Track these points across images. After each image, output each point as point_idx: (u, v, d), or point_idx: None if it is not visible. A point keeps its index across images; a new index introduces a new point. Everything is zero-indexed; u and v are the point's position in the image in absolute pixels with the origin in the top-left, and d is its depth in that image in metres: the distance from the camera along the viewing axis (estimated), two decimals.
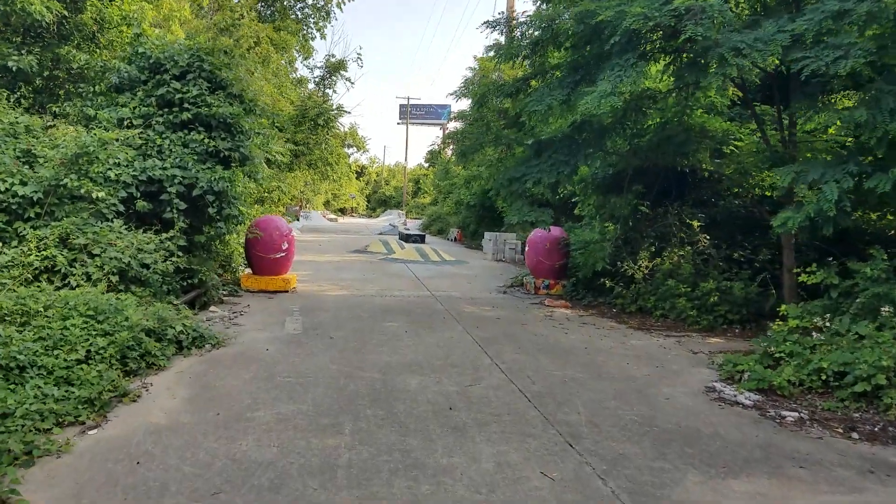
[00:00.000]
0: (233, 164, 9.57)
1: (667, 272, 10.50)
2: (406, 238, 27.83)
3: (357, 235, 33.09)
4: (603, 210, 11.10)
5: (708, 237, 10.97)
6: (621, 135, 10.21)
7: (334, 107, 25.20)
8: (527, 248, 12.96)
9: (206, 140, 9.07)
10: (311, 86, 31.77)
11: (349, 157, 54.79)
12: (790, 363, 6.36)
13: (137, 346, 6.14)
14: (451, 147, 50.62)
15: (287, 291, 11.49)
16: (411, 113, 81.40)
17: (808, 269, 7.70)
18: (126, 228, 7.98)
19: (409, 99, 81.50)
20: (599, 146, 9.70)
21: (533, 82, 9.71)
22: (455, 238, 30.49)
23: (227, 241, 11.90)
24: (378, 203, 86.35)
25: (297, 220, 41.73)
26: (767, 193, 10.33)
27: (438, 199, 47.23)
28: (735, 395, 6.06)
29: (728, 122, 10.73)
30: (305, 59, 31.15)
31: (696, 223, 11.08)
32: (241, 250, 12.05)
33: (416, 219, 53.13)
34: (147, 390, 5.61)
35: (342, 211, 79.85)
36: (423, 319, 9.30)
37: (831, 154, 8.89)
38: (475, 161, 30.64)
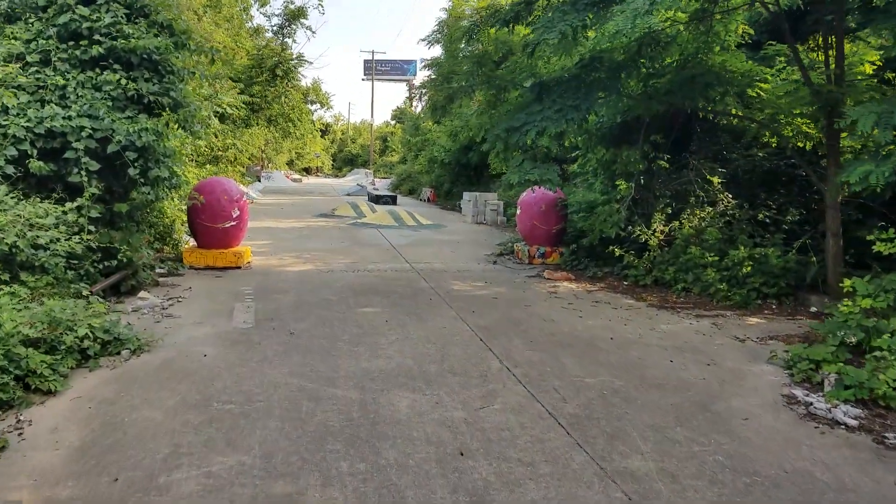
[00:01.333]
0: (161, 113, 7.60)
1: (687, 238, 8.99)
2: (376, 199, 25.93)
3: (323, 197, 30.99)
4: (614, 165, 9.46)
5: (730, 196, 9.47)
6: (635, 76, 8.51)
7: (294, 56, 22.80)
8: (518, 211, 11.32)
9: (125, 82, 7.07)
10: (268, 35, 29.05)
11: (312, 113, 52.10)
12: (893, 362, 4.90)
13: (12, 365, 4.36)
14: (422, 101, 48.21)
15: (239, 267, 9.68)
16: (377, 69, 78.20)
17: (883, 236, 6.22)
18: (15, 197, 6.06)
19: (374, 53, 78.16)
20: (614, 88, 8.00)
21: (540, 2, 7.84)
22: (428, 198, 28.68)
23: (163, 209, 9.97)
24: (344, 162, 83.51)
25: (258, 180, 39.35)
26: (799, 144, 8.82)
27: (408, 156, 45.13)
28: (828, 410, 4.59)
29: (750, 62, 9.11)
30: (262, 6, 28.37)
31: (716, 179, 9.55)
32: (186, 218, 10.13)
33: (384, 178, 50.93)
34: (20, 434, 3.87)
35: (307, 171, 76.94)
36: (406, 302, 7.64)
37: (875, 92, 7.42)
38: (452, 113, 28.66)
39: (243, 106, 20.25)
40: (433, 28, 21.19)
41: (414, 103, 72.57)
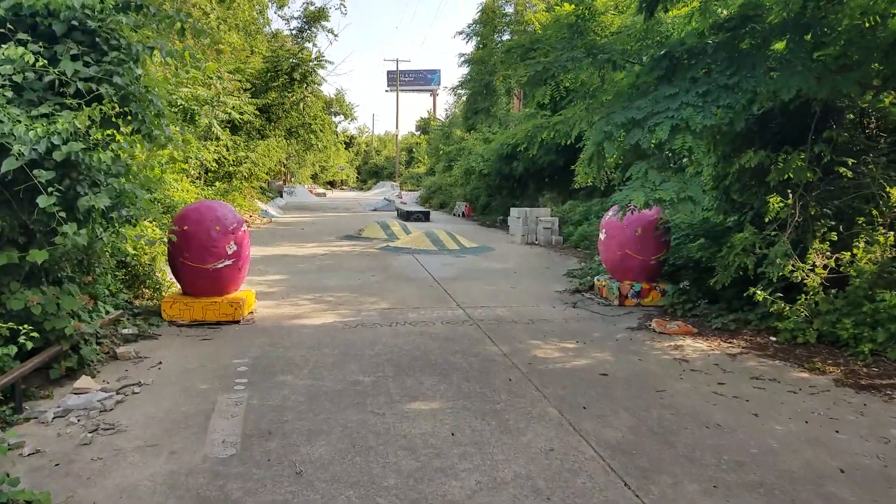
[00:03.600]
0: (103, 110, 5.09)
1: (871, 276, 6.24)
2: (407, 216, 23.42)
3: (348, 214, 28.63)
4: (743, 175, 6.71)
5: None
6: (794, 45, 5.82)
7: (313, 57, 20.50)
8: (602, 236, 8.64)
9: (34, 59, 4.57)
10: (286, 38, 26.80)
11: (336, 125, 50.10)
12: None
13: None
14: (452, 106, 45.69)
15: (238, 322, 7.17)
16: (400, 79, 76.47)
17: None
18: None
19: (398, 62, 76.49)
20: (760, 61, 5.35)
21: None
22: (463, 213, 26.10)
23: (137, 246, 7.53)
24: (369, 174, 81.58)
25: (280, 196, 37.30)
26: None
27: (436, 167, 42.74)
28: None
29: None
30: (280, 7, 26.20)
31: (894, 191, 6.77)
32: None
33: (412, 191, 48.56)
34: None
35: (331, 184, 75.16)
36: (475, 389, 5.01)
37: None
38: (493, 117, 26.05)
39: (256, 113, 17.94)
40: (473, 19, 18.73)
41: (442, 110, 70.15)
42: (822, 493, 3.45)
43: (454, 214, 27.38)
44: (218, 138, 15.39)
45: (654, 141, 4.98)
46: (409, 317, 7.56)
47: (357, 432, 4.16)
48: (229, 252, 7.18)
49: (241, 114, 15.91)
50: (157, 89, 5.77)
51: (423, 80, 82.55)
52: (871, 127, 7.00)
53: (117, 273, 7.57)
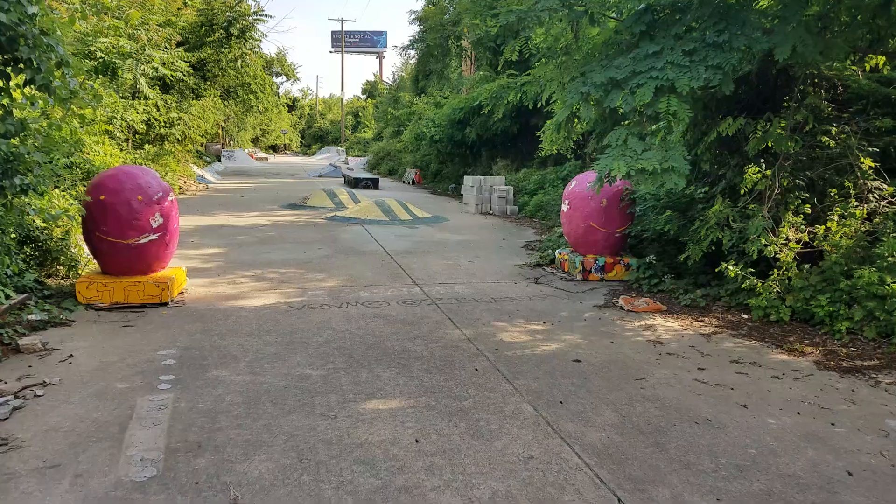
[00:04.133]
0: None
1: (847, 251, 5.98)
2: (355, 183, 22.49)
3: (292, 180, 27.40)
4: (715, 144, 6.30)
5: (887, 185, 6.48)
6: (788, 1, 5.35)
7: (252, 10, 19.08)
8: (565, 207, 8.16)
9: None
10: None
11: (278, 86, 47.96)
12: None
13: None
14: (402, 69, 44.22)
15: (166, 304, 6.37)
16: (345, 41, 73.95)
17: None
18: None
19: (342, 22, 73.80)
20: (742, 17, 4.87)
21: None
22: (413, 180, 25.34)
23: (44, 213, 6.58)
24: (313, 139, 79.17)
25: (219, 160, 35.59)
26: None
27: (383, 132, 41.55)
28: None
29: None
30: None
31: (868, 162, 6.50)
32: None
33: (358, 156, 47.17)
34: None
35: (273, 149, 72.66)
36: (438, 382, 4.46)
37: None
38: (436, 84, 25.15)
39: (189, 71, 16.59)
40: None
41: (389, 73, 68.13)
42: (837, 503, 3.08)
43: (404, 182, 26.58)
44: (146, 97, 14.07)
45: (638, 104, 4.45)
46: (360, 296, 6.92)
47: (305, 442, 3.55)
48: (154, 225, 6.34)
49: (173, 70, 14.55)
50: (59, 33, 4.83)
51: (369, 41, 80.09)
52: (839, 94, 6.67)
53: (24, 249, 6.62)
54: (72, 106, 5.30)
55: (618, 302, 6.77)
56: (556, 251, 8.61)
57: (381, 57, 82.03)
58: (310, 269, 8.32)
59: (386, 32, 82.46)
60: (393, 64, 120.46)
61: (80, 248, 7.10)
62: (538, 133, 13.23)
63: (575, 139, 7.91)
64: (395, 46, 56.51)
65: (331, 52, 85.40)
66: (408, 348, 5.17)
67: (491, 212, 14.87)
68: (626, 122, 5.17)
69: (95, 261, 6.64)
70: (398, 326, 5.80)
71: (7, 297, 5.31)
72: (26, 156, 4.52)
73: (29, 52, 4.27)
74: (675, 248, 7.45)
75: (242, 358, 4.88)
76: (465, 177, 15.72)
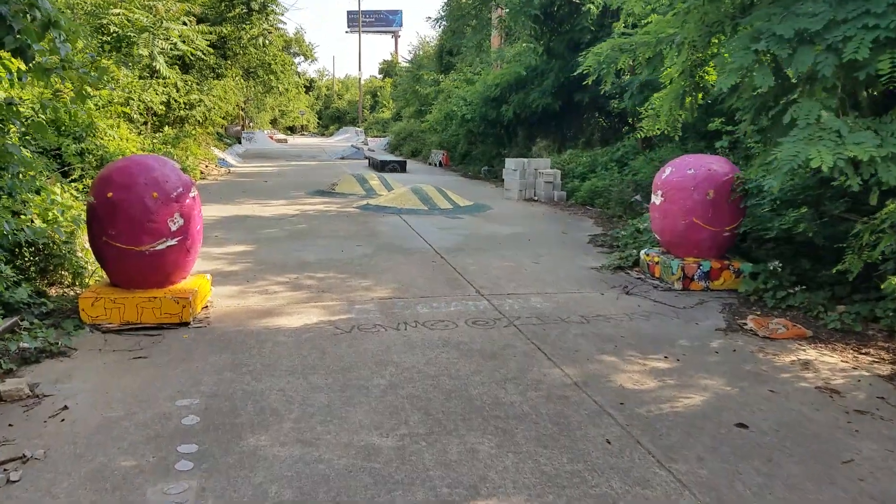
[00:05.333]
0: None
1: None
2: (381, 166, 21.21)
3: (315, 162, 26.21)
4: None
5: None
6: None
7: None
8: (658, 200, 6.84)
9: None
10: None
11: (297, 66, 46.61)
12: None
13: None
14: (420, 47, 42.66)
15: (187, 324, 5.19)
16: (361, 20, 72.28)
17: None
18: None
19: (360, 0, 72.04)
20: None
21: None
22: (440, 162, 24.00)
23: (42, 213, 5.43)
24: (331, 119, 77.90)
25: (239, 142, 34.51)
26: None
27: (403, 112, 40.12)
28: None
29: None
30: None
31: None
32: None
33: (377, 137, 45.79)
34: None
35: (291, 129, 71.48)
36: (562, 466, 3.20)
37: None
38: (468, 59, 23.59)
39: (209, 50, 15.33)
40: None
41: (406, 52, 66.17)
42: None
43: (430, 164, 25.26)
44: (164, 77, 12.86)
45: (848, 59, 3.11)
46: (419, 312, 5.70)
47: None
48: (173, 228, 5.14)
49: (193, 48, 13.30)
50: None
51: (385, 21, 78.38)
52: None
53: (21, 253, 5.46)
54: (68, 81, 4.06)
55: (745, 323, 5.46)
56: (642, 251, 7.30)
57: (396, 36, 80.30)
58: (351, 272, 7.11)
59: (401, 11, 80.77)
60: (409, 43, 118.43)
61: (88, 251, 5.93)
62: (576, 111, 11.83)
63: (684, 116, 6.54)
64: (429, 18, 53.86)
65: (346, 32, 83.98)
66: (500, 399, 3.94)
67: (536, 198, 13.55)
68: (799, 90, 3.83)
69: (103, 270, 5.48)
70: (478, 361, 4.56)
71: None
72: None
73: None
74: (807, 253, 6.10)
75: (286, 414, 3.69)
76: (507, 159, 14.37)
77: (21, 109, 3.95)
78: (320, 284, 6.56)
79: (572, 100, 16.27)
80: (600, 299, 6.22)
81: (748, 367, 4.52)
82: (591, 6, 13.08)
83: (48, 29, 3.35)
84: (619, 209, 10.90)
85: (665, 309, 5.92)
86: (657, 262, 6.90)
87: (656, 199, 6.86)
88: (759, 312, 5.76)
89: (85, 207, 5.29)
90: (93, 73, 3.89)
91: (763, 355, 4.76)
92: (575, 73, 14.17)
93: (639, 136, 7.64)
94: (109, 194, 4.96)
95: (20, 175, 3.68)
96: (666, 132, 7.27)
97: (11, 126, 3.73)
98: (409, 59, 41.72)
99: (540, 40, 15.52)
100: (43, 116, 5.01)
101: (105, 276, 5.51)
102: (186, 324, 5.19)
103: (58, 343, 4.62)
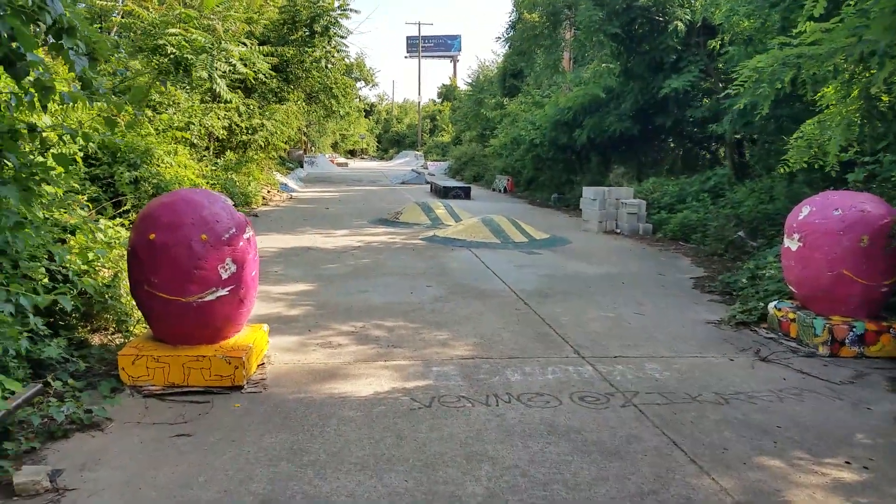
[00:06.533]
0: None
1: None
2: (444, 192, 20.46)
3: (375, 188, 25.76)
4: None
5: None
6: None
7: (336, 6, 17.35)
8: (793, 244, 5.68)
9: None
10: None
11: (358, 90, 46.98)
12: None
13: None
14: (480, 71, 42.21)
15: (240, 388, 4.37)
16: (421, 45, 72.92)
17: None
18: None
19: (419, 25, 72.75)
20: None
21: None
22: (505, 188, 23.09)
23: (82, 252, 4.77)
24: (390, 143, 78.50)
25: (301, 166, 34.64)
26: None
27: (463, 136, 39.54)
28: None
29: None
30: None
31: None
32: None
33: (437, 161, 45.33)
34: None
35: (352, 153, 72.27)
36: None
37: None
38: (541, 77, 22.65)
39: (271, 73, 14.98)
40: None
41: (465, 75, 65.95)
42: None
43: (494, 189, 24.39)
44: (224, 100, 12.48)
45: None
46: (509, 380, 4.72)
47: None
48: (224, 276, 4.36)
49: (254, 71, 12.89)
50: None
51: (444, 45, 78.85)
52: None
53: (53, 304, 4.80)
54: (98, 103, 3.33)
55: None
56: (770, 305, 6.12)
57: (455, 60, 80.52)
58: (423, 320, 6.21)
59: (460, 36, 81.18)
60: (469, 67, 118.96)
61: (131, 305, 5.24)
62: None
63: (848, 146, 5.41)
64: (498, 38, 52.88)
65: (406, 57, 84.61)
66: None
67: (618, 230, 12.42)
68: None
69: (146, 322, 4.75)
70: (597, 461, 3.54)
71: (6, 394, 3.41)
72: None
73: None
74: None
75: None
76: (584, 188, 13.31)
77: (49, 136, 3.22)
78: (390, 336, 5.68)
79: (652, 123, 15.13)
80: (731, 367, 5.10)
81: None
82: (679, 23, 11.99)
83: (61, 36, 2.60)
84: (718, 246, 9.69)
85: (817, 384, 4.75)
86: (793, 320, 5.72)
87: (791, 243, 5.70)
88: None
89: (115, 258, 4.59)
90: (111, 97, 3.11)
91: None
92: (660, 95, 13.24)
93: (782, 170, 6.52)
94: (152, 236, 4.23)
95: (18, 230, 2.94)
96: (822, 166, 6.08)
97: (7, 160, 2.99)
98: (470, 82, 41.13)
99: (618, 60, 14.49)
100: (72, 146, 4.38)
101: (149, 328, 4.78)
102: (239, 387, 4.38)
103: (91, 412, 3.86)
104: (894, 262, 5.31)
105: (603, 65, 15.96)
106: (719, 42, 11.06)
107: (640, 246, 11.03)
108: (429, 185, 24.76)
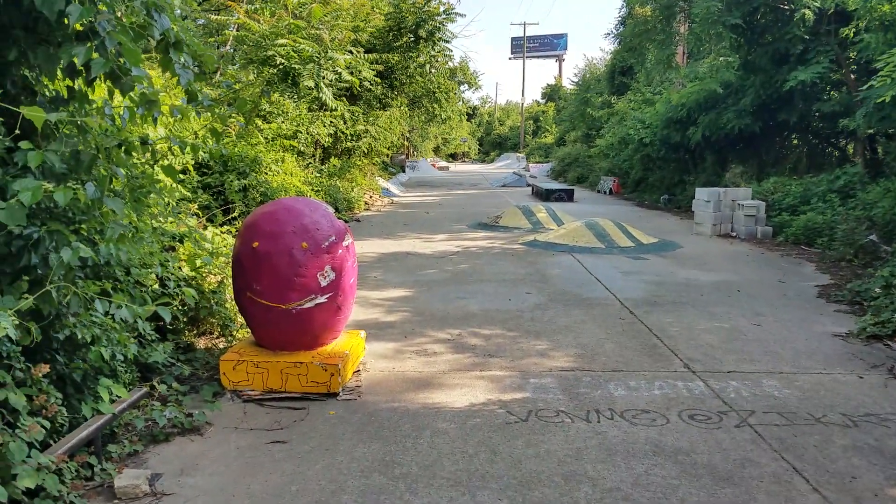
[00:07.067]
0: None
1: None
2: (546, 195, 20.08)
3: (475, 191, 25.78)
4: None
5: None
6: None
7: (441, 10, 17.48)
8: None
9: None
10: None
11: (462, 93, 47.25)
12: None
13: None
14: (587, 69, 41.18)
15: (335, 395, 4.42)
16: (526, 46, 72.40)
17: None
18: None
19: (525, 26, 72.26)
20: None
21: None
22: (610, 190, 22.34)
23: (184, 262, 5.01)
24: (492, 146, 78.52)
25: (403, 171, 35.40)
26: None
27: (568, 137, 38.75)
28: None
29: None
30: None
31: None
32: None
33: (539, 163, 44.72)
34: None
35: (453, 156, 73.00)
36: None
37: None
38: (656, 72, 21.75)
39: (376, 80, 15.33)
40: None
41: (572, 74, 64.52)
42: None
43: (598, 191, 23.67)
44: (330, 108, 12.89)
45: None
46: (612, 394, 4.45)
47: None
48: (323, 283, 4.43)
49: (359, 78, 13.22)
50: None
51: (549, 45, 77.75)
52: None
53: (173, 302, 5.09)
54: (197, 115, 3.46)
55: None
56: None
57: (560, 60, 79.13)
58: (521, 329, 6.04)
59: (566, 35, 79.63)
60: (575, 65, 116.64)
61: (234, 309, 5.47)
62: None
63: None
64: (607, 34, 50.96)
65: (510, 58, 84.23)
66: None
67: (734, 234, 11.59)
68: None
69: (248, 327, 4.92)
70: (709, 487, 3.23)
71: (114, 397, 3.62)
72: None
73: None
74: None
75: None
76: (697, 189, 12.55)
77: (161, 147, 3.38)
78: (486, 345, 5.56)
79: (775, 119, 14.03)
80: (861, 386, 4.54)
81: None
82: (807, 11, 11.00)
83: (168, 52, 2.71)
84: (847, 251, 8.78)
85: None
86: None
87: None
88: None
89: (221, 266, 4.78)
90: (216, 108, 3.20)
91: None
92: (784, 89, 12.23)
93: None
94: (255, 244, 4.36)
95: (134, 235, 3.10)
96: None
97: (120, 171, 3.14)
98: (576, 81, 40.19)
99: (737, 53, 13.54)
100: (181, 156, 4.63)
101: (250, 332, 4.95)
102: (335, 394, 4.42)
103: (191, 416, 4.02)
104: None
105: (720, 58, 15.01)
106: (853, 29, 10.05)
107: (758, 250, 10.21)
108: (530, 188, 24.44)
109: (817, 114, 13.08)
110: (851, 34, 9.47)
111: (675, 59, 19.11)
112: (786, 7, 12.08)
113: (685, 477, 3.33)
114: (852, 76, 11.81)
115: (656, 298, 7.12)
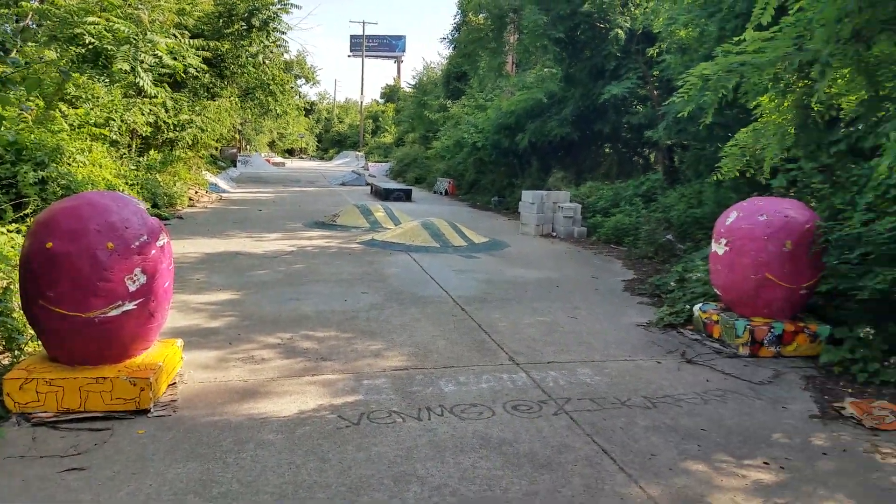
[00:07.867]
0: None
1: None
2: (385, 194, 20.17)
3: (313, 189, 25.20)
4: None
5: None
6: None
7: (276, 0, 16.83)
8: (722, 249, 5.75)
9: None
10: None
11: (299, 87, 45.96)
12: None
13: None
14: (424, 73, 42.02)
15: (146, 412, 4.03)
16: (365, 45, 72.35)
17: None
18: None
19: (364, 24, 72.09)
20: None
21: None
22: (446, 191, 23.00)
23: None
24: (331, 143, 77.31)
25: (234, 165, 33.63)
26: None
27: (407, 137, 39.32)
28: None
29: None
30: None
31: None
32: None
33: (379, 162, 44.84)
34: None
35: (290, 152, 70.74)
36: None
37: None
38: (487, 80, 22.63)
39: (203, 67, 14.37)
40: None
41: (409, 77, 65.53)
42: None
43: (435, 192, 24.26)
44: (149, 95, 11.83)
45: None
46: (443, 391, 4.56)
47: None
48: (132, 288, 4.02)
49: (183, 64, 12.27)
50: None
51: (388, 46, 78.47)
52: None
53: None
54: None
55: (843, 408, 4.36)
56: (696, 307, 6.20)
57: (399, 61, 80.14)
58: (357, 329, 5.98)
59: (405, 37, 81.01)
60: (413, 68, 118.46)
61: (22, 320, 4.79)
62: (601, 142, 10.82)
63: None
64: (443, 39, 51.88)
65: (349, 55, 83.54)
66: None
67: (554, 234, 12.48)
68: None
69: (39, 341, 4.33)
70: (529, 474, 3.42)
71: None
72: None
73: None
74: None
75: None
76: (524, 191, 13.33)
77: None
78: (320, 348, 5.43)
79: (591, 129, 15.34)
80: (659, 370, 5.10)
81: (874, 477, 3.42)
82: (619, 31, 12.16)
83: None
84: (649, 249, 9.84)
85: (739, 385, 4.80)
86: (716, 322, 5.80)
87: (718, 248, 5.78)
88: (850, 390, 4.70)
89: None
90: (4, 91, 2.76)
91: (881, 457, 3.66)
92: (600, 101, 13.39)
93: (715, 177, 6.60)
94: (49, 244, 3.84)
95: None
96: (753, 174, 6.19)
97: None
98: (414, 83, 40.87)
99: (560, 66, 14.60)
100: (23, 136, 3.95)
101: (41, 344, 4.36)
102: (146, 411, 4.03)
103: None
104: (814, 266, 5.44)
105: (546, 70, 16.08)
106: (657, 50, 11.26)
107: (575, 249, 11.10)
108: (369, 187, 24.42)
109: (626, 125, 14.51)
110: (655, 54, 10.62)
111: (506, 68, 20.17)
112: (602, 26, 13.25)
113: (508, 467, 3.49)
114: (655, 92, 13.25)
115: (486, 296, 7.43)
